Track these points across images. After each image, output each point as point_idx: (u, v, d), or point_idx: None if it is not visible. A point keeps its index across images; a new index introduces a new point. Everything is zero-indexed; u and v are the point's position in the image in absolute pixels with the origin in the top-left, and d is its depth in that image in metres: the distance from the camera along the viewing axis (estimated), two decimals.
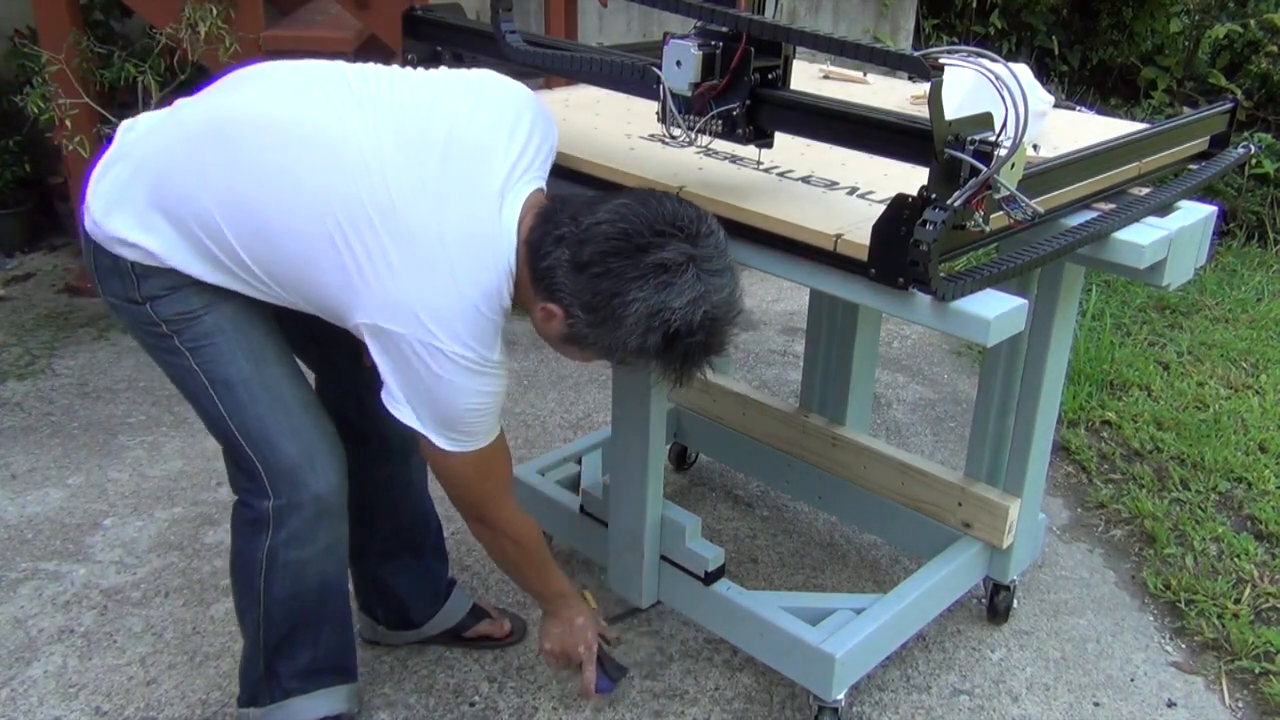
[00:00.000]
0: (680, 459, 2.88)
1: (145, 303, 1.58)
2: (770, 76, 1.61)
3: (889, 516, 2.32)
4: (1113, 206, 1.81)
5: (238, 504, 1.73)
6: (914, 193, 1.41)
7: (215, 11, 3.16)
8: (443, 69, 1.68)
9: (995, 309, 1.46)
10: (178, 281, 1.57)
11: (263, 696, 1.82)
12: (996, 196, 1.42)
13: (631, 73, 1.69)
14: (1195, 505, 2.79)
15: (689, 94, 1.57)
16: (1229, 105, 2.08)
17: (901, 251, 1.42)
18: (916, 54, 1.37)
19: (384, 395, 1.56)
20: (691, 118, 1.60)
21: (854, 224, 1.55)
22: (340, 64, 1.62)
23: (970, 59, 1.40)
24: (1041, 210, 1.46)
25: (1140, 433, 3.11)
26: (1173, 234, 1.76)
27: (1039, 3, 5.86)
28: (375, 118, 1.52)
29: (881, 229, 1.44)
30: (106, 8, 3.86)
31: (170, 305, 1.59)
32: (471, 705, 2.07)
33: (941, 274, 1.43)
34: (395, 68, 1.64)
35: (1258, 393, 3.40)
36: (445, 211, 1.48)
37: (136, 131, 1.60)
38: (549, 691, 2.10)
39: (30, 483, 2.72)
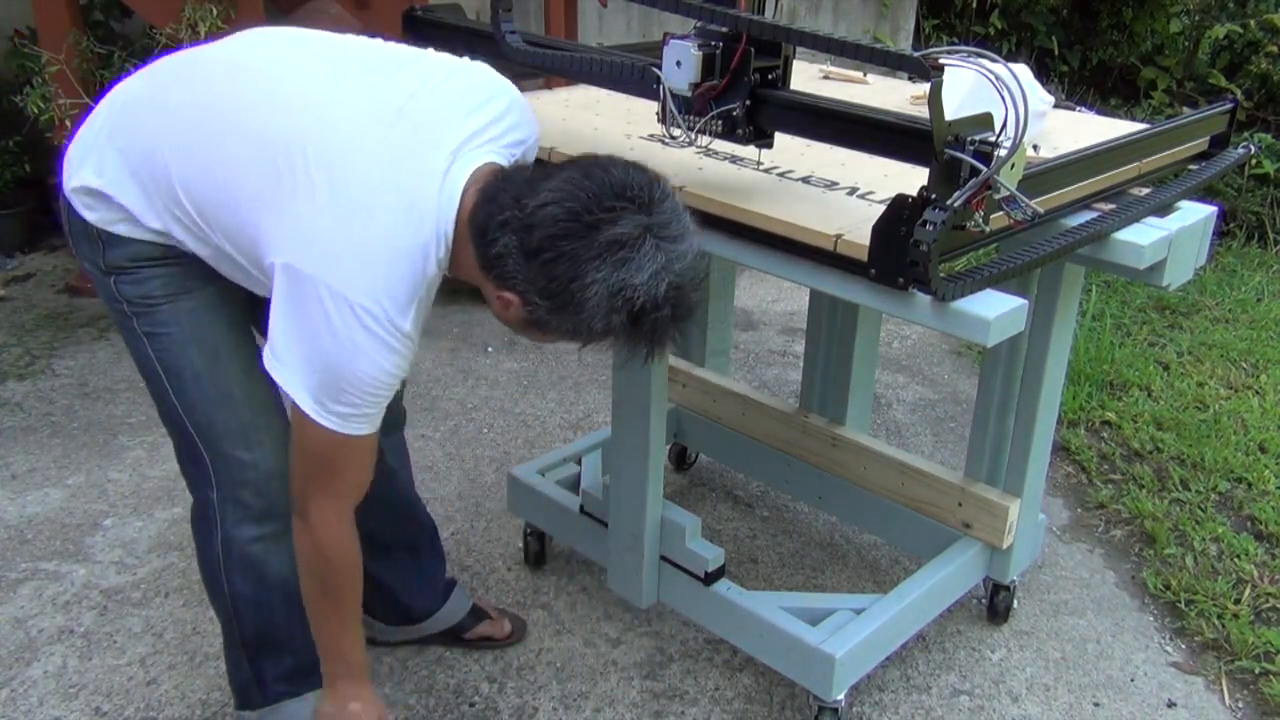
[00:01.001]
0: (680, 459, 2.88)
1: (110, 275, 1.58)
2: (770, 77, 1.61)
3: (889, 517, 2.32)
4: (1113, 207, 1.81)
5: (194, 501, 1.74)
6: (914, 193, 1.41)
7: (215, 11, 3.16)
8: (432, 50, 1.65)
9: (995, 309, 1.46)
10: (139, 255, 1.55)
11: (256, 699, 1.82)
12: (996, 197, 1.42)
13: (631, 73, 1.68)
14: (1195, 505, 2.79)
15: (689, 94, 1.57)
16: (1229, 105, 2.08)
17: (901, 252, 1.41)
18: (916, 54, 1.37)
19: (265, 353, 1.45)
20: (691, 118, 1.60)
21: (854, 224, 1.55)
22: (320, 32, 1.62)
23: (970, 59, 1.40)
24: (1041, 210, 1.46)
25: (1140, 433, 3.11)
26: (1173, 234, 1.76)
27: (1039, 3, 5.86)
28: (342, 68, 1.51)
29: (881, 229, 1.44)
30: (106, 8, 3.86)
31: (133, 287, 1.58)
32: (471, 706, 2.07)
33: (941, 274, 1.43)
34: (379, 39, 1.62)
35: (1258, 393, 3.40)
36: (387, 158, 1.42)
37: (122, 85, 1.61)
38: (549, 692, 2.10)
39: (30, 483, 2.72)
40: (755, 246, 1.64)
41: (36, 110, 3.38)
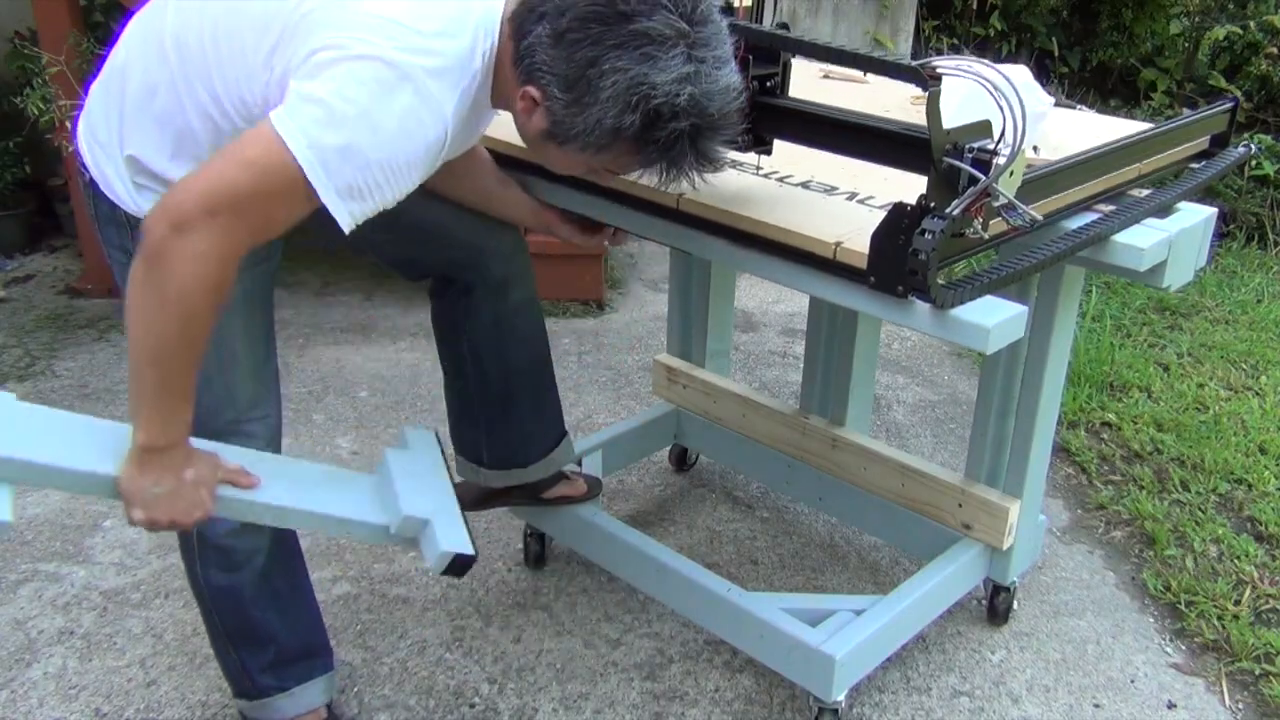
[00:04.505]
0: (680, 460, 2.88)
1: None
2: (769, 84, 1.61)
3: (889, 518, 2.32)
4: (1113, 208, 1.81)
5: None
6: (913, 199, 1.41)
7: None
8: None
9: (994, 317, 1.46)
10: None
11: (247, 689, 1.84)
12: (995, 204, 1.42)
13: None
14: (1195, 507, 2.79)
15: None
16: (1229, 105, 2.08)
17: (900, 260, 1.41)
18: (914, 64, 1.37)
19: (274, 112, 1.30)
20: None
21: (853, 230, 1.55)
22: None
23: (967, 68, 1.40)
24: (1040, 218, 1.46)
25: (1140, 434, 3.11)
26: (1173, 236, 1.76)
27: (1039, 4, 5.85)
28: None
29: (880, 237, 1.44)
30: (106, 9, 3.86)
31: None
32: (471, 707, 2.07)
33: (940, 281, 1.43)
34: None
35: (1258, 394, 3.40)
36: None
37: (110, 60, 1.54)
38: (549, 693, 2.10)
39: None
40: (755, 253, 1.64)
41: (37, 112, 3.38)
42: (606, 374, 3.40)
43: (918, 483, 2.25)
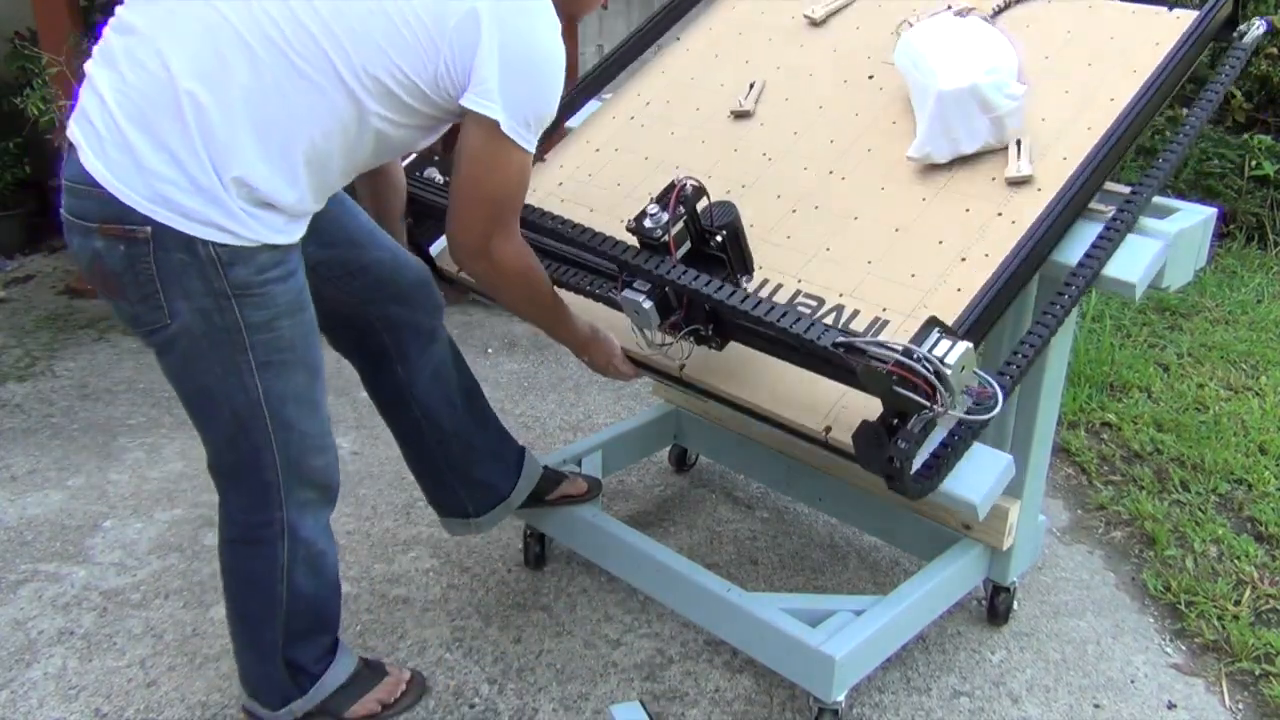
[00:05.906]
0: (680, 460, 2.88)
1: (233, 300, 1.45)
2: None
3: (889, 518, 2.32)
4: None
5: (243, 524, 1.70)
6: (894, 301, 1.55)
7: None
8: None
9: (980, 487, 1.59)
10: (265, 265, 1.46)
11: (304, 684, 1.86)
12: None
13: (601, 297, 1.87)
14: (1195, 507, 2.79)
15: (656, 329, 1.74)
16: None
17: (881, 459, 1.51)
18: (832, 344, 1.47)
19: (474, 94, 1.48)
20: (664, 335, 1.76)
21: (840, 407, 1.66)
22: None
23: (888, 349, 1.45)
24: (1002, 398, 1.51)
25: (1140, 434, 3.11)
26: (1170, 239, 1.77)
27: None
28: None
29: (860, 443, 1.55)
30: (107, 9, 3.86)
31: (260, 310, 1.48)
32: (472, 707, 2.07)
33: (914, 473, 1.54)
34: None
35: (1258, 394, 3.40)
36: None
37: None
38: (549, 694, 2.10)
39: (30, 484, 2.72)
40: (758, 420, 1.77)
41: (37, 112, 3.38)
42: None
43: None
